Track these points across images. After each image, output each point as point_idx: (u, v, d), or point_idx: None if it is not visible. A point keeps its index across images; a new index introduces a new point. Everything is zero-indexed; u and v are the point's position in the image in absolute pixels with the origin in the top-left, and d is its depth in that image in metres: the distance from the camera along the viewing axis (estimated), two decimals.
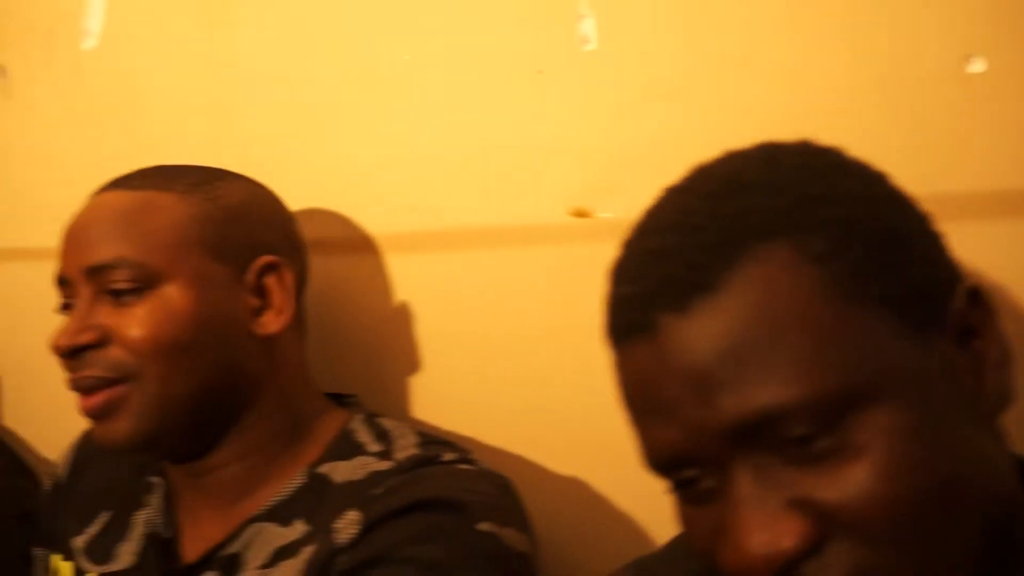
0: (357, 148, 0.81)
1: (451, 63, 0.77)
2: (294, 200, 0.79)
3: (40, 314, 1.04)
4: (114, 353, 0.61)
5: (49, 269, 1.02)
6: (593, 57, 0.71)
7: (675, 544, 0.49)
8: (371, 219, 0.82)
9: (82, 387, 0.61)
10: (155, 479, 0.71)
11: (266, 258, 0.67)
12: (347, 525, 0.57)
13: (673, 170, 0.69)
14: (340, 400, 0.75)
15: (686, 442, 0.35)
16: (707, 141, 0.67)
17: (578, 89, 0.72)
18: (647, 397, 0.37)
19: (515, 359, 0.77)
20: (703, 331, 0.34)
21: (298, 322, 0.70)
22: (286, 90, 0.86)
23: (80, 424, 0.98)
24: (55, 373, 1.04)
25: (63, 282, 0.65)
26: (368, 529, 0.56)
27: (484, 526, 0.56)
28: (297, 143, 0.86)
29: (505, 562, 0.56)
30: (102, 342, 0.61)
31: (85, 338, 0.61)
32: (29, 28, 1.01)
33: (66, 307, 0.65)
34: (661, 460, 0.37)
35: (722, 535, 0.35)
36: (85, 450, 0.78)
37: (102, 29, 0.97)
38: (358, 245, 0.83)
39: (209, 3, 0.90)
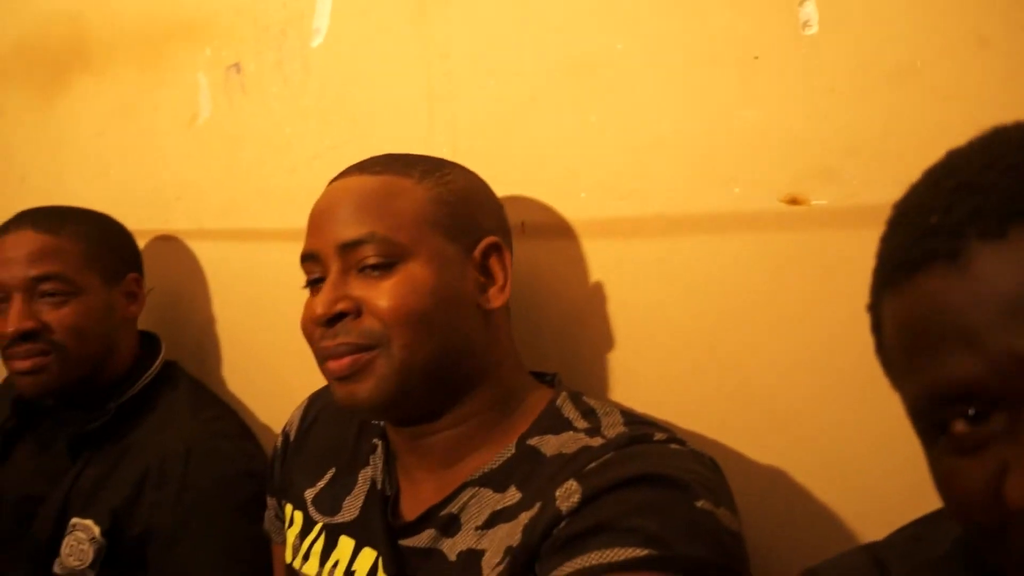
0: (566, 135, 0.84)
1: (665, 50, 0.78)
2: (502, 186, 0.83)
3: (266, 290, 1.16)
4: (365, 322, 0.67)
5: (274, 249, 1.13)
6: (813, 41, 0.70)
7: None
8: (578, 205, 0.84)
9: (335, 353, 0.67)
10: (377, 441, 0.77)
11: (490, 239, 0.72)
12: (567, 495, 0.59)
13: (897, 158, 0.68)
14: (541, 378, 0.78)
15: (988, 372, 0.34)
16: (937, 128, 0.65)
17: (795, 74, 0.71)
18: (943, 326, 0.35)
19: (719, 347, 0.77)
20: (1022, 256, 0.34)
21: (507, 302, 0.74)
22: (498, 81, 0.90)
23: (292, 392, 1.08)
24: (274, 344, 1.16)
25: (312, 258, 0.71)
26: (589, 500, 0.58)
27: (702, 504, 0.57)
28: (506, 131, 0.89)
29: (722, 539, 0.56)
30: (355, 312, 0.67)
31: (342, 306, 0.67)
32: (263, 29, 1.12)
33: (313, 283, 0.71)
34: (951, 392, 0.36)
35: (1012, 474, 0.34)
36: (311, 412, 0.86)
37: (328, 28, 1.05)
38: (562, 230, 0.86)
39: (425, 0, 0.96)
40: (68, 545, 0.96)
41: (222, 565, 0.93)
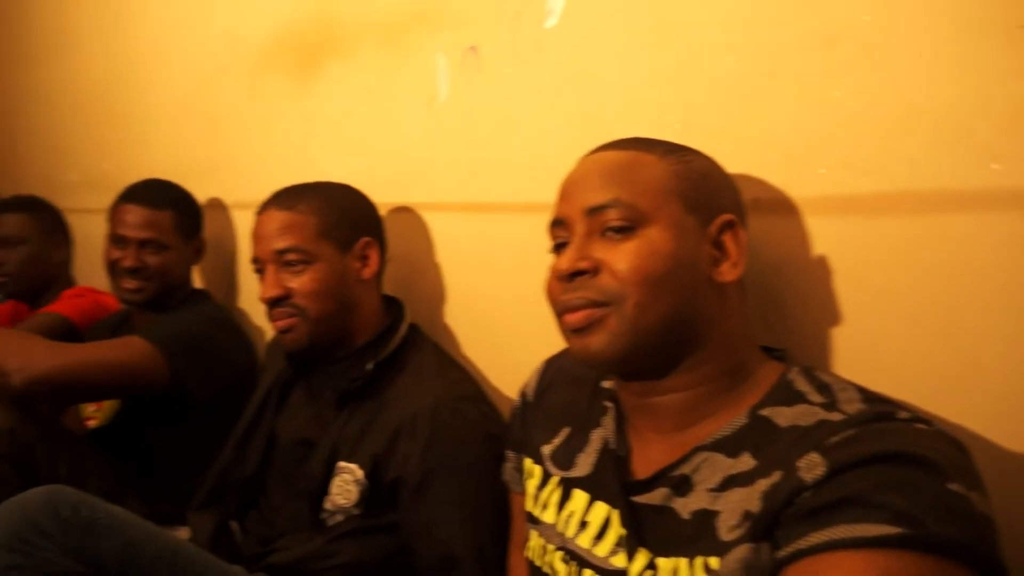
0: (806, 111, 0.84)
1: (917, 21, 0.75)
2: (735, 163, 0.84)
3: (498, 259, 1.24)
4: (603, 280, 0.72)
5: (506, 220, 1.21)
6: None
7: None
8: (816, 181, 0.84)
9: (572, 306, 0.74)
10: (609, 403, 0.83)
11: (726, 216, 0.74)
12: (811, 466, 0.61)
13: None
14: (770, 353, 0.80)
15: None
16: None
17: None
18: None
19: (955, 330, 0.75)
20: None
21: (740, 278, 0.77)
22: (737, 57, 0.90)
23: (518, 356, 1.16)
24: (503, 311, 1.24)
25: (560, 224, 0.78)
26: (835, 472, 0.59)
27: (955, 486, 0.56)
28: (742, 107, 0.90)
29: (976, 522, 0.56)
30: (594, 270, 0.73)
31: (583, 264, 0.73)
32: (499, 11, 1.19)
33: (559, 247, 0.78)
34: None
35: None
36: (547, 375, 0.93)
37: (563, 8, 1.10)
38: (798, 206, 0.86)
39: None
40: (336, 485, 1.10)
41: (461, 515, 1.03)
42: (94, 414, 1.75)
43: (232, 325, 1.68)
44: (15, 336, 1.40)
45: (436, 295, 1.36)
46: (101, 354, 1.42)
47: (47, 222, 2.04)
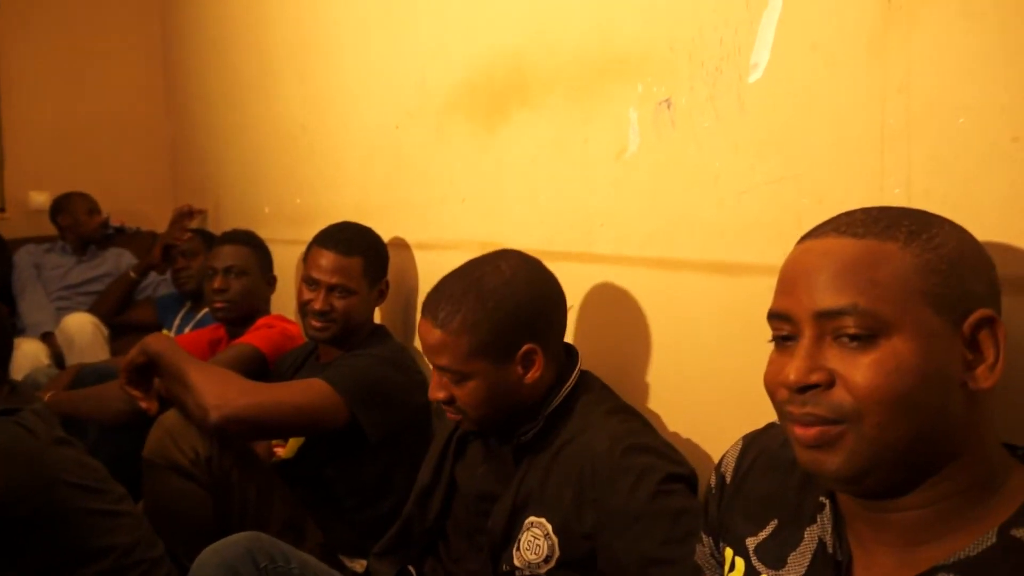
0: None
1: None
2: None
3: (684, 318, 1.19)
4: (837, 395, 0.65)
5: (696, 280, 1.16)
6: None
7: None
8: None
9: (802, 421, 0.67)
10: (825, 500, 0.75)
11: (982, 312, 0.65)
12: None
13: None
14: (1013, 452, 0.70)
15: None
16: None
17: None
18: None
19: None
20: None
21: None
22: (972, 117, 0.82)
23: (706, 421, 1.09)
24: (688, 373, 1.19)
25: (783, 318, 0.70)
26: None
27: None
28: (976, 172, 0.81)
29: None
30: (828, 383, 0.65)
31: (815, 378, 0.65)
32: (698, 65, 1.14)
33: (782, 339, 0.71)
34: None
35: None
36: (747, 456, 0.87)
37: (768, 62, 1.04)
38: None
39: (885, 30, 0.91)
40: (526, 540, 1.09)
41: (669, 552, 0.98)
42: (280, 447, 1.84)
43: (408, 365, 1.72)
44: (215, 373, 1.49)
45: (616, 348, 1.32)
46: (288, 396, 1.50)
47: (263, 258, 2.20)
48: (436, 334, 1.11)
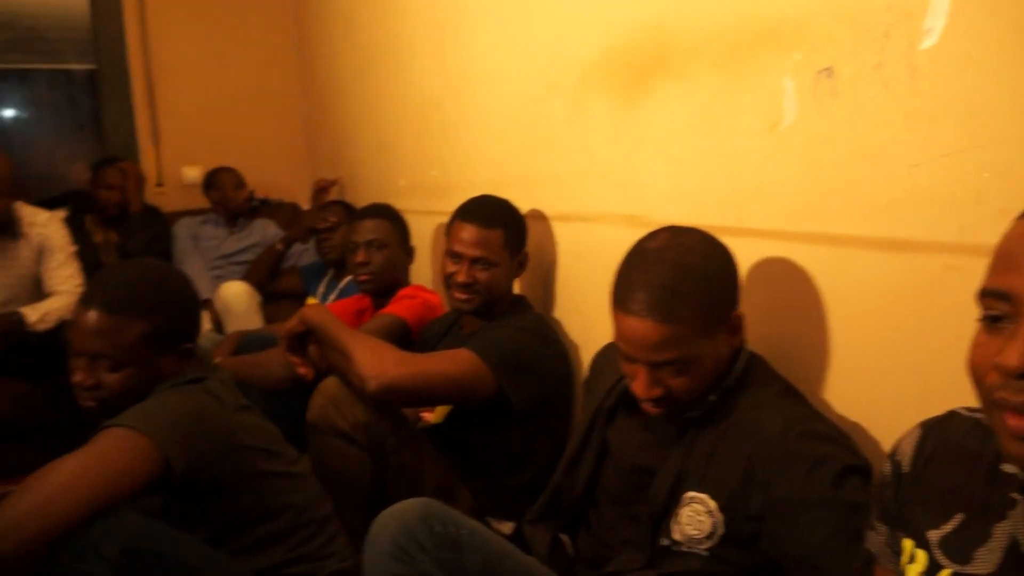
0: None
1: None
2: None
3: (845, 295, 1.16)
4: None
5: (857, 254, 1.13)
6: None
7: None
8: None
9: (1018, 408, 0.63)
10: (1017, 496, 0.73)
11: None
12: None
13: None
14: None
15: None
16: None
17: None
18: None
19: None
20: None
21: None
22: None
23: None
24: (840, 354, 1.16)
25: (999, 296, 0.65)
26: None
27: None
28: None
29: None
30: None
31: None
32: (862, 31, 1.09)
33: (994, 320, 0.66)
34: None
35: None
36: (926, 445, 0.84)
37: (945, 27, 0.99)
38: None
39: None
40: (686, 515, 1.10)
41: (842, 543, 0.97)
42: (429, 412, 1.93)
43: (550, 336, 1.76)
44: (371, 344, 1.57)
45: (773, 325, 1.31)
46: (439, 366, 1.56)
47: (401, 231, 2.29)
48: (658, 328, 1.06)
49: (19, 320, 2.45)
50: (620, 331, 1.11)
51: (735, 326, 1.14)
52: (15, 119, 3.88)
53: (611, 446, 1.28)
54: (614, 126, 1.67)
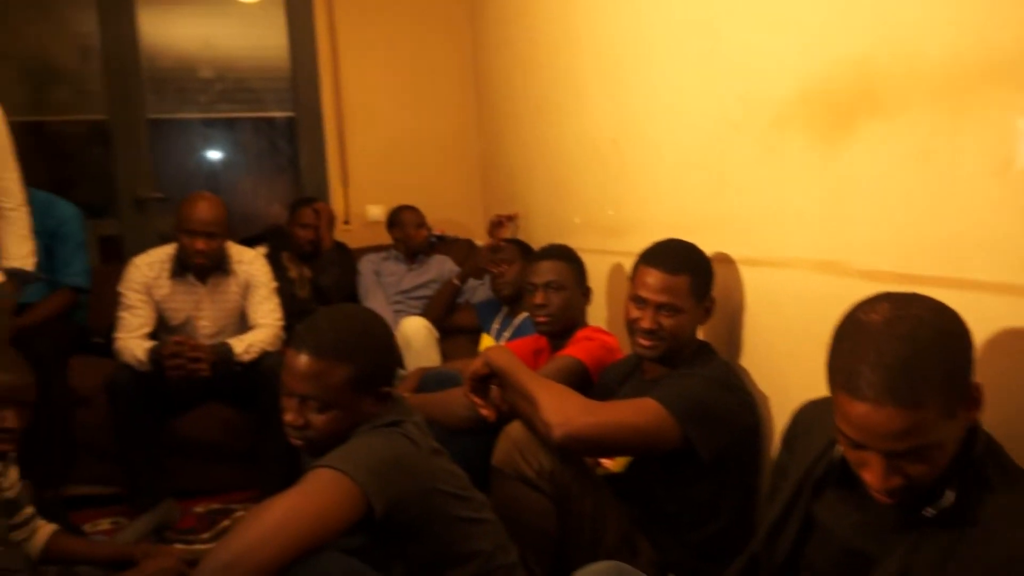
0: None
1: None
2: None
3: None
4: None
5: None
6: None
7: None
8: None
9: None
10: None
11: None
12: None
13: None
14: None
15: None
16: None
17: None
18: None
19: None
20: None
21: None
22: None
23: None
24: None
25: None
26: None
27: None
28: None
29: None
30: None
31: None
32: None
33: None
34: None
35: None
36: None
37: None
38: None
39: None
40: None
41: None
42: (608, 460, 1.90)
43: (737, 385, 1.69)
44: (557, 391, 1.57)
45: (1005, 400, 1.18)
46: (625, 416, 1.54)
47: (579, 272, 2.30)
48: (899, 415, 0.93)
49: (228, 351, 2.67)
50: (849, 417, 0.98)
51: (975, 399, 0.99)
52: (224, 163, 4.27)
53: (818, 520, 1.19)
54: (810, 167, 1.59)
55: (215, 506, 2.81)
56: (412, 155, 4.16)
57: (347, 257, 3.65)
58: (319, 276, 3.50)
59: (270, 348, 2.78)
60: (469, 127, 4.22)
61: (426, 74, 4.17)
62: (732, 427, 1.62)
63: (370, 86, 4.09)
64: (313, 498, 1.18)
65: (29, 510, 1.99)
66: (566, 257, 2.29)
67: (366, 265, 3.64)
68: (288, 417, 1.38)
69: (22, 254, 2.56)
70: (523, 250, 2.95)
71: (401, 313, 3.44)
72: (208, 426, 2.87)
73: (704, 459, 1.56)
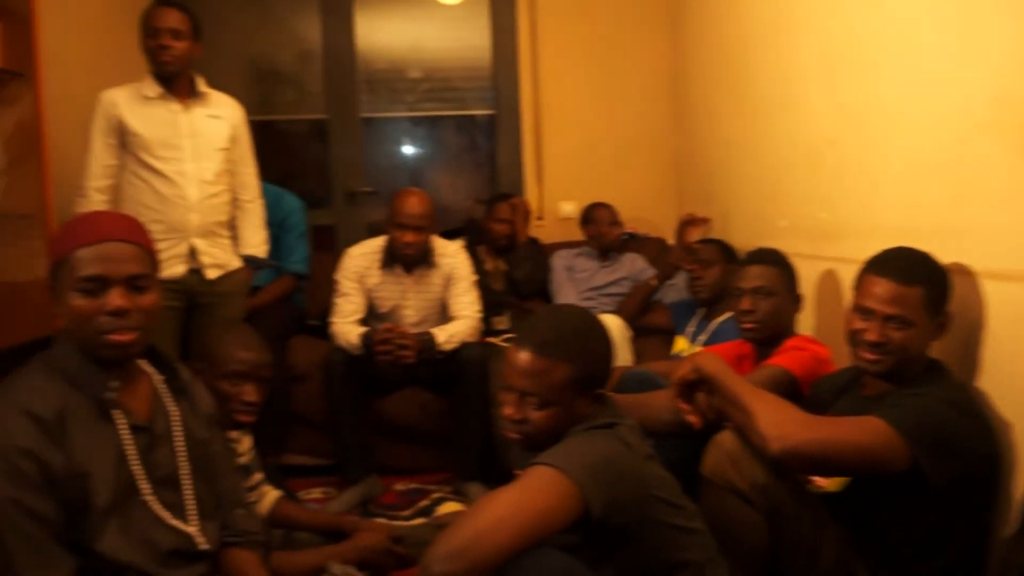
0: None
1: None
2: None
3: None
4: None
5: None
6: None
7: None
8: None
9: None
10: None
11: None
12: None
13: None
14: None
15: None
16: None
17: None
18: None
19: None
20: None
21: None
22: None
23: None
24: None
25: None
26: None
27: None
28: None
29: None
30: None
31: None
32: None
33: None
34: None
35: None
36: None
37: None
38: None
39: None
40: None
41: None
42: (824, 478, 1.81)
43: (975, 409, 1.56)
44: (775, 403, 1.51)
45: None
46: (848, 434, 1.46)
47: (789, 278, 2.20)
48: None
49: (431, 340, 2.80)
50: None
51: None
52: (426, 158, 4.48)
53: None
54: None
55: (413, 486, 2.97)
56: (605, 152, 4.16)
57: (540, 252, 3.71)
58: (513, 270, 3.59)
59: (469, 339, 2.89)
60: (664, 125, 4.16)
61: (622, 72, 4.15)
62: (968, 454, 1.49)
63: (567, 84, 4.13)
64: (536, 494, 1.21)
65: (259, 476, 2.19)
66: (776, 262, 2.20)
67: (558, 260, 3.69)
68: (507, 411, 1.42)
69: (256, 242, 2.82)
70: (724, 252, 2.87)
71: (592, 310, 3.43)
72: (408, 409, 3.03)
73: (934, 487, 1.45)
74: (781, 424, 1.45)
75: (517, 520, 1.18)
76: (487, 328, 3.31)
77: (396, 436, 3.05)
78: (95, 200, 2.51)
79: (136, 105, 2.54)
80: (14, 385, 1.37)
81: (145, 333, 1.41)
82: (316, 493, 2.92)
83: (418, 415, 3.02)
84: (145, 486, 1.43)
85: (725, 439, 1.59)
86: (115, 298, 1.36)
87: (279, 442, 3.00)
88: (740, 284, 2.18)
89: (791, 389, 1.94)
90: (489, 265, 3.64)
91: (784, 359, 2.02)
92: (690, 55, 3.84)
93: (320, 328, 3.26)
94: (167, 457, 1.49)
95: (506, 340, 3.39)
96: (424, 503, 2.80)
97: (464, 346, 2.86)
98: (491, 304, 3.32)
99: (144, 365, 1.54)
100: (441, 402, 2.99)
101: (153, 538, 1.43)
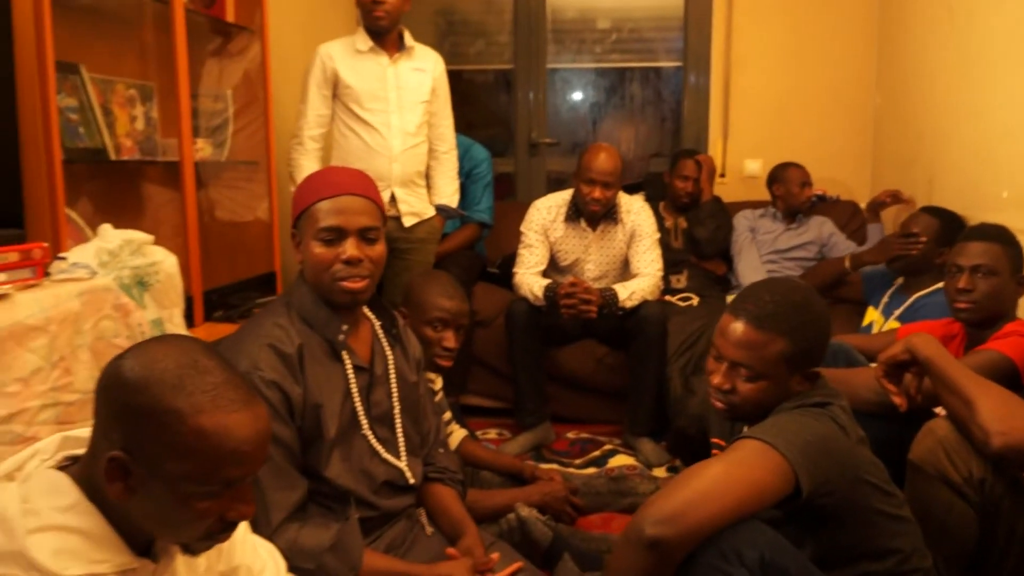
0: None
1: None
2: None
3: None
4: None
5: None
6: None
7: None
8: None
9: None
10: None
11: None
12: None
13: None
14: None
15: None
16: None
17: None
18: None
19: None
20: None
21: None
22: None
23: None
24: None
25: None
26: None
27: None
28: None
29: None
30: None
31: None
32: None
33: None
34: None
35: None
36: None
37: None
38: None
39: None
40: None
41: None
42: None
43: None
44: (999, 395, 1.42)
45: None
46: None
47: (1015, 258, 2.03)
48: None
49: (614, 296, 2.82)
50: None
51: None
52: (609, 110, 4.44)
53: None
54: None
55: (585, 435, 3.04)
56: (797, 109, 3.95)
57: (724, 211, 3.61)
58: (695, 228, 3.53)
59: (650, 297, 2.89)
60: (865, 81, 3.88)
61: (822, 23, 3.90)
62: None
63: (761, 36, 3.94)
64: (749, 468, 1.22)
65: (448, 414, 2.32)
66: (1003, 239, 2.02)
67: (741, 221, 3.58)
68: (716, 380, 1.42)
69: (449, 192, 2.94)
70: (942, 220, 2.63)
71: (773, 274, 3.34)
72: (584, 361, 3.08)
73: None
74: (1006, 418, 1.37)
75: (730, 492, 1.19)
76: (665, 287, 3.29)
77: (571, 386, 3.12)
78: (309, 148, 2.70)
79: (349, 58, 2.68)
80: (260, 321, 1.53)
81: (373, 281, 1.53)
82: (492, 434, 3.06)
83: (594, 368, 3.07)
84: (364, 422, 1.56)
85: (940, 426, 1.51)
86: (350, 248, 1.47)
87: (461, 383, 3.15)
88: (958, 260, 2.03)
89: (1010, 378, 1.80)
90: (669, 222, 3.59)
91: (1003, 344, 1.88)
92: (904, 11, 3.55)
93: (499, 276, 3.36)
94: (383, 397, 1.61)
95: (682, 299, 3.36)
96: (596, 453, 2.87)
97: (644, 304, 2.86)
98: (670, 262, 3.28)
99: (366, 311, 1.66)
100: (617, 356, 3.02)
101: (369, 469, 1.57)
